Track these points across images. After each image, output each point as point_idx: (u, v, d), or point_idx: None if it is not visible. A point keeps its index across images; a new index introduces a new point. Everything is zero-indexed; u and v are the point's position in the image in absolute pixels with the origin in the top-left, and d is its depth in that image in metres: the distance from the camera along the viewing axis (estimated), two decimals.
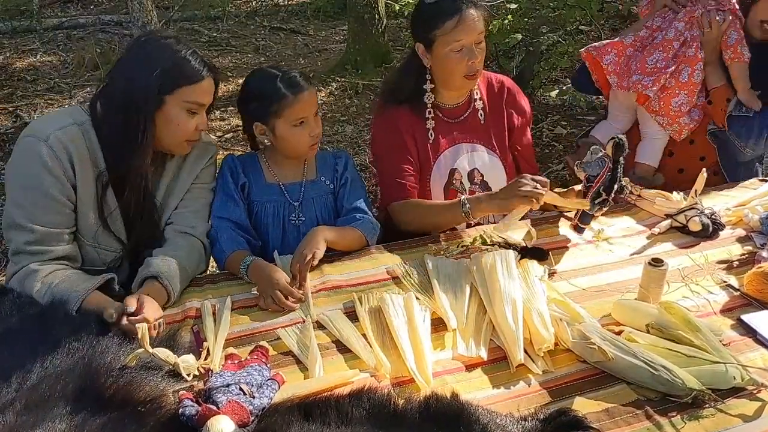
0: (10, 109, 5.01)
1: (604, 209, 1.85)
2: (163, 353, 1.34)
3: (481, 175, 2.08)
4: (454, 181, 2.09)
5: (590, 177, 1.80)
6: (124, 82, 1.62)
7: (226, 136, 4.67)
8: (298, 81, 1.83)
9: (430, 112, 2.06)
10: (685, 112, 2.27)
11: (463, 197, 1.92)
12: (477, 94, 2.11)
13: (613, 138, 1.79)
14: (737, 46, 2.23)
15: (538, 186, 1.77)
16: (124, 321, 1.44)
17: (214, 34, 6.91)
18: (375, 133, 2.17)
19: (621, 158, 1.78)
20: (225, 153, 4.32)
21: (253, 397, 1.23)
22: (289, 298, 1.63)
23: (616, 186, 1.79)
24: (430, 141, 2.07)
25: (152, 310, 1.49)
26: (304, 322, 1.57)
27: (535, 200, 1.76)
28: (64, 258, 1.63)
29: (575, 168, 1.86)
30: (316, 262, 1.71)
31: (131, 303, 1.47)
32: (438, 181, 2.09)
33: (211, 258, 1.86)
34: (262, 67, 1.96)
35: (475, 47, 1.93)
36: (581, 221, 1.86)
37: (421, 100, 2.05)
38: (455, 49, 1.91)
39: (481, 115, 2.11)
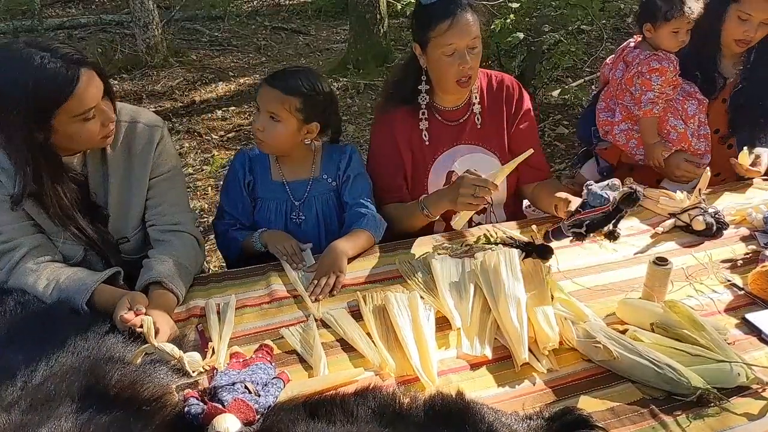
0: None
1: (576, 241, 1.67)
2: (169, 347, 1.35)
3: None
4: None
5: (586, 204, 1.62)
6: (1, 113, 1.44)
7: (228, 135, 4.67)
8: None
9: (423, 113, 2.05)
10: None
11: (422, 197, 1.93)
12: (476, 98, 2.07)
13: (630, 190, 1.56)
14: (635, 107, 2.25)
15: (478, 191, 1.74)
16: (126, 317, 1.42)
17: (216, 34, 6.90)
18: (372, 139, 2.16)
19: (626, 210, 1.58)
20: (226, 152, 4.36)
21: (259, 396, 1.23)
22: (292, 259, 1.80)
23: (604, 229, 1.61)
24: (426, 142, 2.06)
25: (166, 326, 1.46)
26: (307, 320, 1.57)
27: (477, 204, 1.78)
28: (41, 248, 1.60)
29: (584, 187, 1.66)
30: (337, 292, 1.69)
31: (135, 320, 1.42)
32: (435, 183, 2.08)
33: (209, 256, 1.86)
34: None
35: (468, 52, 1.89)
36: (553, 235, 1.69)
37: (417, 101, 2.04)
38: (447, 53, 1.89)
39: (478, 119, 2.09)
